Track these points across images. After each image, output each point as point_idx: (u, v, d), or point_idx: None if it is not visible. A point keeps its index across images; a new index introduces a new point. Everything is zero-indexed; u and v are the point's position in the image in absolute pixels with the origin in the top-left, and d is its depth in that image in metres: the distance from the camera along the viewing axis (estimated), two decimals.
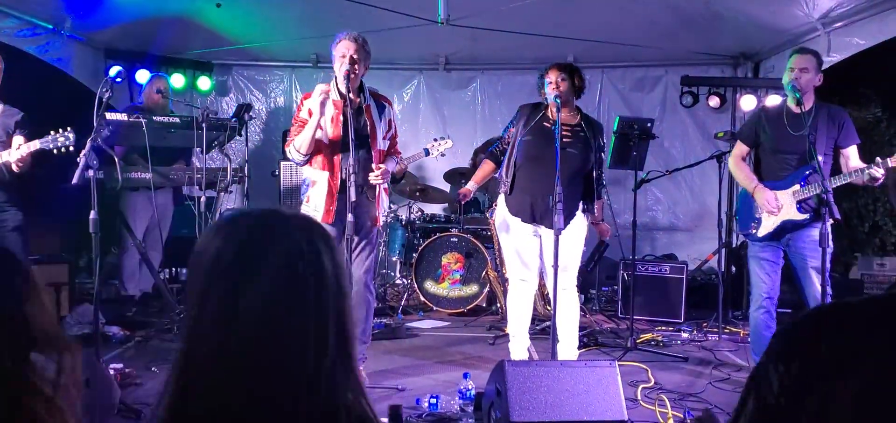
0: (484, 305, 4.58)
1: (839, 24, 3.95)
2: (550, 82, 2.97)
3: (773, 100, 4.43)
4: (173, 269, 5.13)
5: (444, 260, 4.59)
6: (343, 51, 2.87)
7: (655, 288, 4.39)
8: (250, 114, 4.58)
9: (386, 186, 3.04)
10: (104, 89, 2.91)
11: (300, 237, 0.73)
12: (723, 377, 3.20)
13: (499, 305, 4.42)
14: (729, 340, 4.00)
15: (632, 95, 5.53)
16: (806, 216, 2.86)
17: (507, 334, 3.38)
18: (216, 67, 5.60)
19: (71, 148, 2.97)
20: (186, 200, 4.20)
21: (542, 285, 3.70)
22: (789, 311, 4.04)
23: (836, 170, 2.88)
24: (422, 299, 4.58)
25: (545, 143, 2.93)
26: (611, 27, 4.66)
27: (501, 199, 3.13)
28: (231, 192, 4.39)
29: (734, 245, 4.78)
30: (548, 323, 3.58)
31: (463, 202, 3.14)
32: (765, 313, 2.95)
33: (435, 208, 5.44)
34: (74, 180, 2.88)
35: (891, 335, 0.64)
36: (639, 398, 2.82)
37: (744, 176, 3.04)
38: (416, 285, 4.58)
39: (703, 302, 4.52)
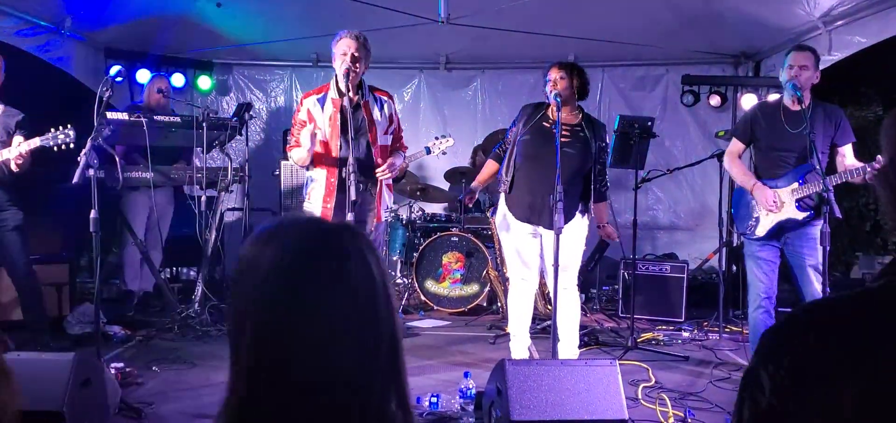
0: (484, 304, 4.58)
1: (840, 23, 3.94)
2: (550, 81, 2.97)
3: (748, 97, 4.44)
4: (174, 268, 5.14)
5: (445, 259, 4.59)
6: (344, 49, 2.87)
7: (656, 287, 4.39)
8: (251, 113, 4.58)
9: (389, 181, 3.04)
10: (104, 89, 2.91)
11: (351, 247, 0.72)
12: (723, 376, 3.20)
13: (499, 304, 4.41)
14: (730, 339, 3.99)
15: (633, 93, 5.52)
16: (806, 215, 2.85)
17: (507, 334, 3.38)
18: (216, 67, 5.60)
19: (71, 145, 2.97)
20: (187, 199, 4.20)
21: (542, 285, 3.70)
22: (789, 310, 4.04)
23: (831, 168, 2.87)
24: (422, 298, 4.58)
25: (542, 142, 2.93)
26: (611, 26, 4.65)
27: (502, 198, 3.13)
28: (232, 191, 4.39)
29: (735, 244, 4.78)
30: (548, 322, 3.57)
31: (469, 204, 3.14)
32: (764, 313, 2.95)
33: (435, 208, 5.43)
34: (75, 180, 2.88)
35: (881, 329, 0.63)
36: (639, 397, 2.82)
37: (741, 174, 3.02)
38: (416, 285, 4.58)
39: (704, 301, 4.51)
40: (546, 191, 2.86)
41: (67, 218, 4.50)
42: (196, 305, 4.04)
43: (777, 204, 2.86)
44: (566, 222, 2.77)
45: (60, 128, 3.05)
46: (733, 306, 4.44)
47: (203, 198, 3.87)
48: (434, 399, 2.61)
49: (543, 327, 3.92)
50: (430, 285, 4.59)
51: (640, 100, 5.50)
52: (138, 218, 4.22)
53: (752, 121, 3.02)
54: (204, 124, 3.87)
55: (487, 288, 4.48)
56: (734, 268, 4.67)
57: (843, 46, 3.96)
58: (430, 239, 4.63)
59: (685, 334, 4.04)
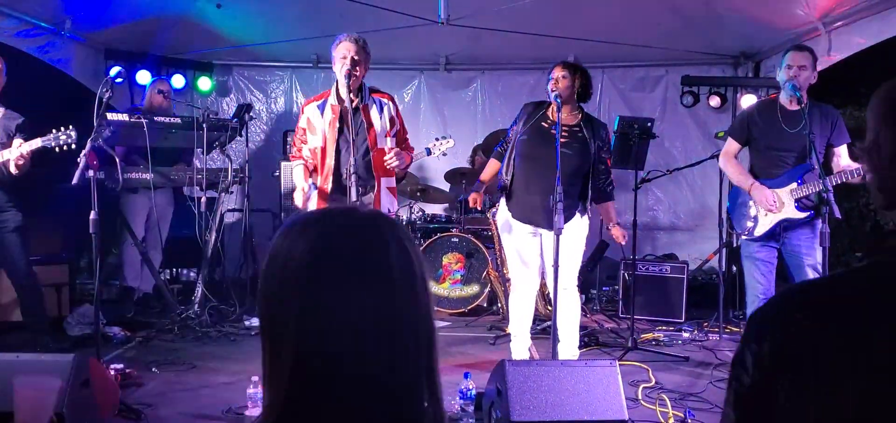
0: (485, 305, 4.58)
1: (840, 24, 3.94)
2: (552, 79, 2.97)
3: (748, 98, 4.44)
4: (174, 269, 5.14)
5: (445, 260, 4.59)
6: (343, 52, 2.87)
7: (656, 288, 4.38)
8: (251, 114, 4.58)
9: (392, 184, 3.03)
10: (104, 90, 2.92)
11: (391, 236, 0.70)
12: (723, 376, 3.20)
13: (500, 305, 4.41)
14: (730, 339, 3.99)
15: (632, 94, 5.52)
16: (806, 215, 2.85)
17: (508, 334, 3.38)
18: (216, 68, 5.60)
19: (72, 146, 2.98)
20: (187, 200, 4.20)
21: (542, 286, 3.69)
22: None
23: (827, 168, 2.87)
24: None
25: (540, 142, 2.94)
26: (611, 27, 4.65)
27: (503, 199, 3.14)
28: (232, 192, 4.40)
29: (735, 245, 4.78)
30: (549, 323, 3.57)
31: (474, 205, 3.13)
32: None
33: (436, 209, 5.43)
34: (75, 181, 2.88)
35: (863, 307, 0.64)
36: (639, 397, 2.82)
37: (738, 174, 3.00)
38: None
39: (704, 302, 4.51)
40: (545, 191, 2.86)
41: (67, 219, 4.50)
42: (196, 306, 4.04)
43: (776, 204, 2.86)
44: (565, 223, 2.77)
45: (62, 129, 3.05)
46: (733, 306, 4.44)
47: (203, 199, 3.88)
48: None
49: (544, 327, 3.91)
50: (431, 285, 4.58)
51: (640, 101, 5.50)
52: (138, 219, 4.23)
53: (749, 121, 3.01)
54: (204, 125, 3.87)
55: (488, 289, 4.47)
56: (734, 268, 4.67)
57: (843, 47, 3.96)
58: (430, 240, 4.63)
59: (685, 335, 4.03)
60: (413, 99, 5.72)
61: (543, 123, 2.99)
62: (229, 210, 4.80)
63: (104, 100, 2.91)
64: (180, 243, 4.61)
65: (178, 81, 5.21)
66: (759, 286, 2.95)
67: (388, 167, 2.95)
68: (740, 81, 5.21)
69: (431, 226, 4.97)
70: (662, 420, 2.58)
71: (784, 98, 2.90)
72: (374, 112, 2.98)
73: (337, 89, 2.96)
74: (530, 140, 2.98)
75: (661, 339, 3.91)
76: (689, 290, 4.38)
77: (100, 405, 2.38)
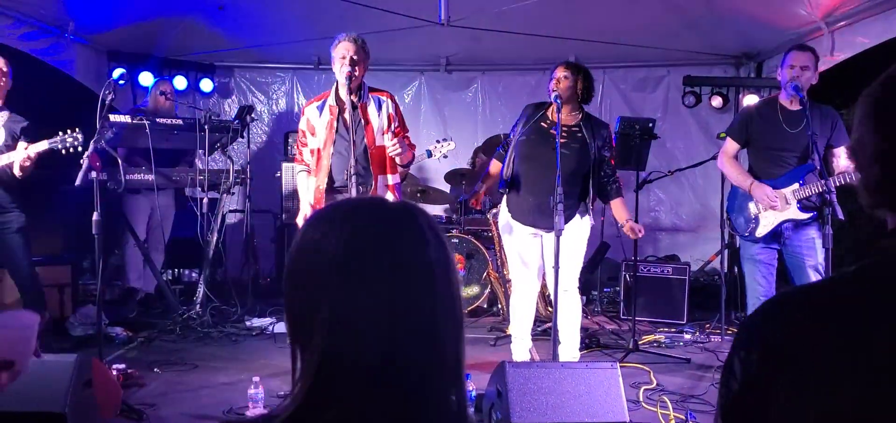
0: (485, 306, 4.57)
1: (843, 24, 3.93)
2: (554, 79, 2.97)
3: (750, 98, 4.43)
4: (176, 270, 5.15)
5: None
6: (343, 52, 2.88)
7: (658, 289, 4.37)
8: (252, 116, 4.60)
9: (396, 182, 3.03)
10: (107, 91, 2.93)
11: (426, 226, 0.69)
12: None
13: (500, 306, 4.41)
14: (731, 341, 3.97)
15: (634, 95, 5.51)
16: (809, 215, 2.83)
17: (508, 336, 3.37)
18: (218, 69, 5.62)
19: (79, 148, 2.99)
20: (189, 201, 4.22)
21: (543, 287, 3.69)
22: None
23: (826, 169, 2.85)
24: None
25: (538, 142, 2.94)
26: (612, 27, 4.65)
27: (504, 201, 3.13)
28: (233, 193, 4.41)
29: (737, 246, 4.76)
30: (549, 324, 3.57)
31: (475, 205, 3.11)
32: None
33: (436, 210, 5.43)
34: (77, 182, 2.90)
35: (853, 312, 0.63)
36: (641, 399, 2.82)
37: (737, 174, 2.97)
38: None
39: (706, 303, 4.50)
40: (543, 191, 2.86)
41: (70, 220, 4.52)
42: (198, 306, 4.05)
43: (778, 200, 2.83)
44: (565, 223, 2.77)
45: (68, 131, 3.08)
46: (735, 308, 4.43)
47: (205, 200, 3.89)
48: None
49: (544, 329, 3.91)
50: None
51: (642, 101, 5.49)
52: (140, 220, 4.24)
53: (748, 121, 2.99)
54: (206, 127, 3.88)
55: (488, 290, 4.47)
56: (736, 270, 4.66)
57: (846, 47, 3.95)
58: None
59: (687, 337, 4.02)
60: (413, 100, 5.73)
61: (542, 124, 2.99)
62: (231, 211, 4.81)
63: (107, 101, 2.92)
64: (182, 244, 4.62)
65: (180, 82, 5.23)
66: (759, 288, 2.93)
67: (391, 156, 2.95)
68: (742, 81, 5.20)
69: None
70: (663, 422, 2.58)
71: (785, 98, 2.89)
72: (371, 109, 2.99)
73: (336, 90, 2.97)
74: (529, 141, 2.98)
75: (662, 341, 3.90)
76: (691, 291, 4.36)
77: (102, 406, 2.39)
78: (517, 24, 4.50)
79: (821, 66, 3.02)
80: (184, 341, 3.72)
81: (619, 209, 3.05)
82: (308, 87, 5.60)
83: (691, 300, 4.35)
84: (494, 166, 3.19)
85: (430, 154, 4.39)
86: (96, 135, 2.94)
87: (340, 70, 2.88)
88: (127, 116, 3.81)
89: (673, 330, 4.17)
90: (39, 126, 3.34)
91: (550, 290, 2.93)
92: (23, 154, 3.08)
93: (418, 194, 5.06)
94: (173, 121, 3.95)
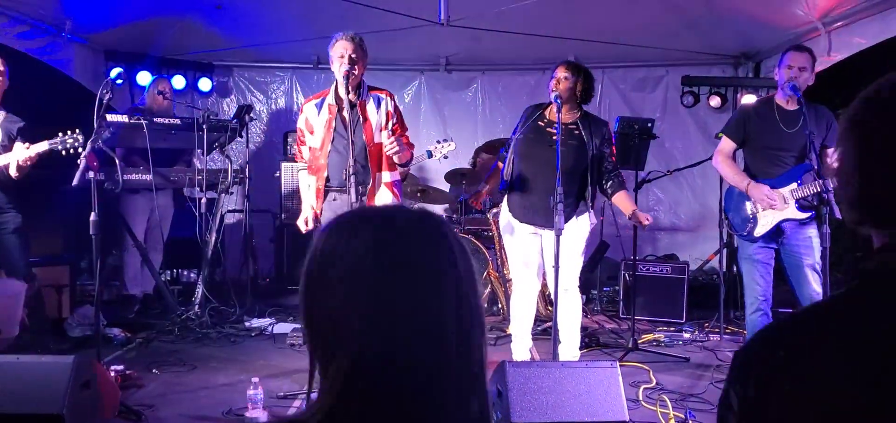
0: (485, 305, 4.57)
1: (840, 24, 3.94)
2: (554, 78, 2.97)
3: (749, 98, 4.44)
4: (174, 270, 5.14)
5: None
6: (341, 51, 2.88)
7: (657, 288, 4.38)
8: (251, 115, 4.59)
9: (395, 179, 3.03)
10: (104, 91, 2.92)
11: (450, 233, 0.70)
12: (724, 377, 3.19)
13: (500, 305, 4.41)
14: (730, 340, 3.99)
15: (633, 95, 5.52)
16: (807, 215, 2.84)
17: (508, 335, 3.37)
18: (217, 68, 5.60)
19: (79, 149, 2.98)
20: (187, 201, 4.20)
21: (543, 286, 3.69)
22: (790, 310, 4.03)
23: (821, 168, 2.86)
24: None
25: (535, 141, 2.95)
26: (612, 27, 4.65)
27: (505, 201, 3.14)
28: (232, 193, 4.39)
29: (735, 245, 4.77)
30: (549, 324, 3.57)
31: (477, 206, 3.10)
32: (762, 316, 2.93)
33: (436, 209, 5.43)
34: (75, 182, 2.88)
35: (844, 344, 0.63)
36: (640, 398, 2.82)
37: (734, 173, 2.97)
38: None
39: (705, 302, 4.51)
40: (542, 190, 2.87)
41: (68, 220, 4.50)
42: (196, 307, 4.04)
43: (776, 199, 2.84)
44: (564, 222, 2.76)
45: (68, 132, 3.07)
46: (734, 306, 4.43)
47: (203, 200, 3.88)
48: None
49: (544, 328, 3.91)
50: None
51: (641, 101, 5.50)
52: (138, 220, 4.23)
53: (746, 120, 2.98)
54: (204, 126, 3.87)
55: (488, 289, 4.47)
56: (735, 269, 4.67)
57: (843, 47, 3.96)
58: None
59: (686, 336, 4.03)
60: (413, 100, 5.73)
61: (540, 123, 3.01)
62: (229, 211, 4.80)
63: (104, 101, 2.91)
64: (180, 244, 4.61)
65: (178, 81, 5.22)
66: (757, 288, 2.93)
67: (388, 155, 2.94)
68: (741, 81, 5.21)
69: None
70: (663, 421, 2.58)
71: (781, 98, 2.89)
72: (370, 107, 2.98)
73: (336, 89, 2.97)
74: (527, 139, 3.00)
75: (661, 340, 3.91)
76: (690, 290, 4.37)
77: (100, 407, 2.38)
78: (517, 24, 4.50)
79: (818, 66, 3.02)
80: (182, 342, 3.71)
81: (623, 202, 3.01)
82: (307, 86, 5.59)
83: (690, 299, 4.35)
84: (499, 167, 3.20)
85: (430, 155, 4.39)
86: (94, 135, 2.93)
87: (339, 69, 2.87)
88: (124, 116, 3.79)
89: (672, 329, 4.18)
90: (36, 126, 3.33)
91: (551, 289, 2.93)
92: (24, 155, 3.06)
93: (418, 194, 5.06)
94: (171, 120, 3.94)
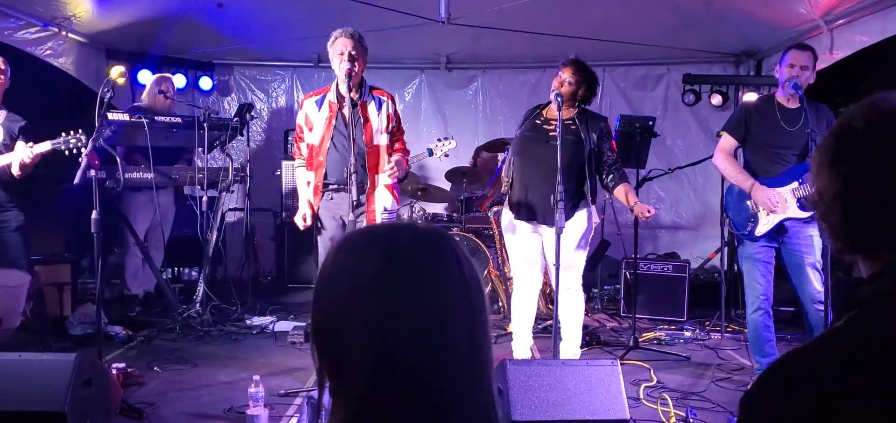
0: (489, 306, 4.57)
1: (842, 22, 3.93)
2: (558, 77, 2.96)
3: (750, 96, 4.43)
4: (175, 268, 5.15)
5: None
6: (340, 48, 2.87)
7: (658, 287, 4.38)
8: (252, 113, 4.59)
9: (389, 181, 3.04)
10: (106, 89, 2.92)
11: (458, 249, 0.72)
12: (725, 376, 3.19)
13: (501, 304, 4.41)
14: (731, 338, 3.99)
15: (634, 93, 5.52)
16: (808, 214, 2.83)
17: (509, 333, 3.37)
18: (217, 67, 5.61)
19: (83, 150, 2.98)
20: (188, 200, 4.21)
21: (545, 284, 3.69)
22: (792, 309, 4.03)
23: None
24: None
25: (532, 139, 2.96)
26: (612, 25, 4.64)
27: (506, 200, 3.14)
28: (233, 191, 4.40)
29: (736, 244, 4.76)
30: (550, 322, 3.57)
31: (485, 211, 3.12)
32: (763, 315, 2.92)
33: (437, 208, 5.44)
34: (76, 181, 2.89)
35: (851, 379, 0.63)
36: (641, 396, 2.82)
37: (736, 173, 2.95)
38: None
39: (706, 301, 4.50)
40: (539, 187, 2.88)
41: (69, 219, 4.51)
42: (198, 305, 4.04)
43: (779, 204, 2.83)
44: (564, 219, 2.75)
45: (72, 132, 3.07)
46: (735, 305, 4.43)
47: (204, 198, 3.88)
48: None
49: (545, 326, 3.91)
50: None
51: (641, 99, 5.49)
52: (139, 219, 4.23)
53: (747, 117, 2.96)
54: (205, 125, 3.87)
55: (489, 288, 4.47)
56: (736, 267, 4.66)
57: (845, 45, 3.95)
58: None
59: (687, 334, 4.03)
60: (414, 98, 5.73)
61: (537, 121, 3.02)
62: (230, 209, 4.81)
63: (105, 100, 2.91)
64: (182, 243, 4.61)
65: (179, 80, 5.22)
66: (758, 287, 2.93)
67: (387, 155, 2.98)
68: (742, 79, 5.20)
69: (432, 225, 4.96)
70: (664, 420, 2.58)
71: (782, 96, 2.89)
72: (372, 108, 2.99)
73: (337, 86, 2.96)
74: (524, 138, 3.01)
75: (662, 338, 3.91)
76: (691, 289, 4.37)
77: (101, 404, 2.39)
78: (517, 23, 4.49)
79: (820, 64, 3.01)
80: (184, 340, 3.71)
81: (624, 195, 2.97)
82: (308, 84, 5.59)
83: (691, 298, 4.35)
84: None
85: (430, 153, 4.39)
86: (95, 133, 2.93)
87: (340, 67, 2.87)
88: (125, 115, 3.79)
89: (673, 328, 4.18)
90: (37, 125, 3.33)
91: (553, 287, 2.93)
92: (27, 154, 3.06)
93: (419, 192, 5.06)
94: (172, 119, 3.94)
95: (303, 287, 5.08)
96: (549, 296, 3.99)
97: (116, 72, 3.00)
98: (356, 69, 2.87)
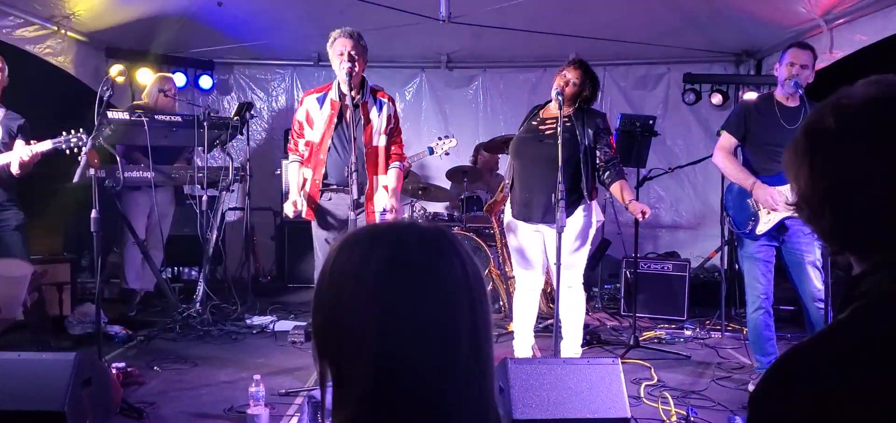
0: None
1: (842, 21, 3.93)
2: (562, 76, 2.94)
3: (750, 95, 4.43)
4: (175, 268, 5.14)
5: None
6: (340, 49, 2.87)
7: (658, 286, 4.38)
8: (252, 112, 4.58)
9: (387, 183, 3.04)
10: (105, 88, 2.91)
11: (461, 249, 0.71)
12: (725, 374, 3.19)
13: (501, 303, 4.41)
14: (732, 337, 3.99)
15: (634, 92, 5.52)
16: None
17: (510, 332, 3.37)
18: (217, 66, 5.60)
19: (83, 149, 2.98)
20: (188, 199, 4.20)
21: (546, 283, 3.68)
22: (792, 308, 4.03)
23: None
24: None
25: (527, 140, 2.97)
26: (613, 25, 4.64)
27: (508, 201, 3.14)
28: (233, 191, 4.39)
29: (736, 243, 4.76)
30: (551, 321, 3.57)
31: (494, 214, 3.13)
32: (764, 314, 2.92)
33: (437, 207, 5.43)
34: (75, 179, 2.88)
35: (848, 377, 0.63)
36: (642, 395, 2.82)
37: (737, 171, 2.93)
38: None
39: (706, 300, 4.50)
40: (536, 186, 2.88)
41: (69, 218, 4.50)
42: (198, 304, 4.03)
43: (781, 202, 2.83)
44: (565, 218, 2.75)
45: (72, 131, 3.06)
46: (735, 304, 4.43)
47: (204, 197, 3.87)
48: None
49: (546, 325, 3.91)
50: None
51: (642, 99, 5.49)
52: (139, 218, 4.22)
53: (747, 115, 2.95)
54: (205, 124, 3.87)
55: (490, 287, 4.47)
56: (736, 266, 4.66)
57: (845, 44, 3.95)
58: None
59: (687, 333, 4.03)
60: (414, 97, 5.72)
61: (534, 121, 3.02)
62: (230, 208, 4.80)
63: (105, 98, 2.91)
64: (182, 242, 4.60)
65: (179, 79, 5.21)
66: (759, 286, 2.92)
67: (385, 158, 3.00)
68: (742, 78, 5.20)
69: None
70: (665, 418, 2.58)
71: (781, 94, 2.88)
72: (373, 110, 2.99)
73: (339, 85, 2.96)
74: (522, 139, 3.02)
75: (663, 337, 3.90)
76: (691, 288, 4.37)
77: (101, 404, 2.38)
78: (518, 21, 4.49)
79: (820, 63, 3.01)
80: (184, 340, 3.70)
81: (620, 192, 2.94)
82: (308, 83, 5.59)
83: (691, 297, 4.35)
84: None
85: (431, 151, 4.39)
86: (94, 132, 2.92)
87: (340, 67, 2.87)
88: (125, 113, 3.79)
89: (673, 326, 4.18)
90: (36, 123, 3.32)
91: (554, 286, 2.92)
92: (27, 153, 3.06)
93: (420, 191, 5.06)
94: (172, 118, 3.94)
95: (303, 287, 5.08)
96: (549, 295, 3.99)
97: (116, 70, 3.00)
98: (356, 69, 2.87)
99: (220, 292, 4.26)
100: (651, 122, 4.06)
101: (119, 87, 4.57)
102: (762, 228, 2.90)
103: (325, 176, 2.99)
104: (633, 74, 5.51)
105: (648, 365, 3.23)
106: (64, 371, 2.17)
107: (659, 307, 4.36)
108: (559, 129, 2.76)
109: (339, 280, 0.69)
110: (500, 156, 4.89)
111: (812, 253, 2.80)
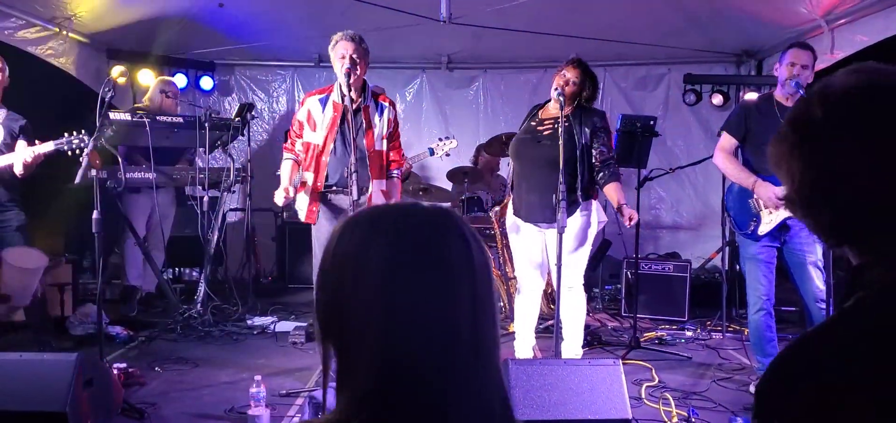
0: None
1: (843, 21, 3.93)
2: (562, 76, 2.93)
3: (751, 95, 4.43)
4: (176, 269, 5.15)
5: None
6: (342, 52, 2.87)
7: (659, 286, 4.37)
8: (253, 113, 4.59)
9: (385, 187, 3.04)
10: (107, 89, 2.92)
11: (466, 231, 0.70)
12: (726, 375, 3.19)
13: (502, 303, 4.41)
14: (733, 338, 3.98)
15: (635, 93, 5.52)
16: None
17: (511, 333, 3.37)
18: (218, 67, 5.61)
19: (85, 150, 2.98)
20: (189, 200, 4.21)
21: (547, 284, 3.68)
22: (793, 309, 4.03)
23: None
24: None
25: (526, 141, 2.98)
26: (614, 25, 4.64)
27: (510, 202, 3.15)
28: (234, 191, 4.40)
29: (737, 244, 4.76)
30: (552, 321, 3.56)
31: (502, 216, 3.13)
32: (765, 315, 2.91)
33: None
34: (77, 180, 2.88)
35: (848, 370, 0.63)
36: (643, 396, 2.82)
37: (737, 171, 2.92)
38: None
39: (707, 300, 4.50)
40: (535, 187, 2.89)
41: (70, 219, 4.51)
42: (199, 305, 4.04)
43: (781, 202, 2.83)
44: (554, 218, 2.74)
45: (75, 133, 3.07)
46: (736, 305, 4.43)
47: (205, 198, 3.88)
48: None
49: (547, 326, 3.91)
50: None
51: (642, 99, 5.49)
52: (140, 218, 4.23)
53: (747, 115, 2.94)
54: (206, 125, 3.88)
55: None
56: (737, 267, 4.66)
57: (846, 45, 3.95)
58: None
59: (688, 334, 4.02)
60: (415, 98, 5.73)
61: (532, 122, 3.03)
62: (231, 209, 4.81)
63: (106, 99, 2.91)
64: (183, 243, 4.61)
65: (180, 80, 5.22)
66: (760, 287, 2.92)
67: (385, 162, 3.02)
68: (743, 79, 5.20)
69: None
70: (666, 419, 2.58)
71: (781, 94, 2.88)
72: (375, 116, 3.00)
73: (340, 88, 2.97)
74: (520, 140, 3.02)
75: (664, 338, 3.90)
76: (692, 288, 4.36)
77: (103, 405, 2.38)
78: (518, 22, 4.49)
79: (821, 64, 3.01)
80: (185, 341, 3.71)
81: (613, 194, 2.92)
82: (309, 84, 5.60)
83: (692, 298, 4.35)
84: None
85: (432, 152, 4.39)
86: (96, 133, 2.93)
87: (341, 70, 2.87)
88: (127, 114, 3.79)
89: (674, 327, 4.17)
90: (38, 124, 3.33)
91: (554, 287, 2.92)
92: (29, 154, 3.06)
93: (420, 192, 5.06)
94: (173, 119, 3.94)
95: (304, 287, 5.08)
96: (550, 296, 3.98)
97: (117, 71, 3.01)
98: (358, 73, 2.87)
99: (221, 293, 4.27)
100: (652, 122, 4.05)
101: (120, 88, 4.58)
102: (764, 228, 2.90)
103: (326, 178, 3.00)
104: (634, 75, 5.51)
105: (649, 366, 3.23)
106: (65, 372, 2.18)
107: (660, 308, 4.36)
108: (561, 128, 2.76)
109: (341, 261, 0.69)
110: (500, 158, 4.90)
111: (814, 253, 2.80)
